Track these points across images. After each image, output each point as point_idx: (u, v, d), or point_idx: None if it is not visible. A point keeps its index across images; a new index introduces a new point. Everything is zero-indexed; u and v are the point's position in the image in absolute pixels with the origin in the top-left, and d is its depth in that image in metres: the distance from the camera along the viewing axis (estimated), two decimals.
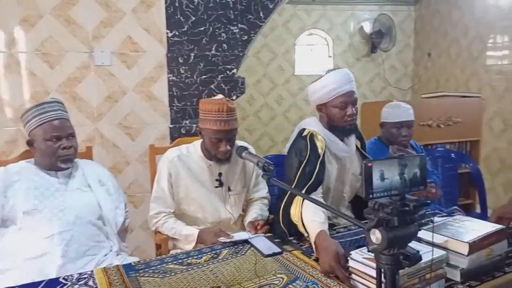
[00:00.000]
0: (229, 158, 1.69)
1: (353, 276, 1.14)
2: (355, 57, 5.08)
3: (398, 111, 2.20)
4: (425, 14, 4.99)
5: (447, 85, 4.61)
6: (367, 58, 5.13)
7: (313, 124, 1.70)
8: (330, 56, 5.07)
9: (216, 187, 1.73)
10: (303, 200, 1.49)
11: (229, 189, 1.77)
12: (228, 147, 1.64)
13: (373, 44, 5.01)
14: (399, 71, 5.25)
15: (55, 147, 1.52)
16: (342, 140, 1.68)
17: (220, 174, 1.73)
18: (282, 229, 1.57)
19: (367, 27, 4.97)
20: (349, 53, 5.07)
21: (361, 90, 5.11)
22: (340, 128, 1.64)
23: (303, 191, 1.51)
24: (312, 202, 1.11)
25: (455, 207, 2.00)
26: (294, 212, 1.51)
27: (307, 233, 1.43)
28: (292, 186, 1.55)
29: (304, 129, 1.68)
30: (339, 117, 1.63)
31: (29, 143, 1.57)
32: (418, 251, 0.80)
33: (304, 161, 1.59)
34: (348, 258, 1.16)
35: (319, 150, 1.60)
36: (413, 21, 5.18)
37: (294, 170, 1.61)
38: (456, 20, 4.44)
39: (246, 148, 1.52)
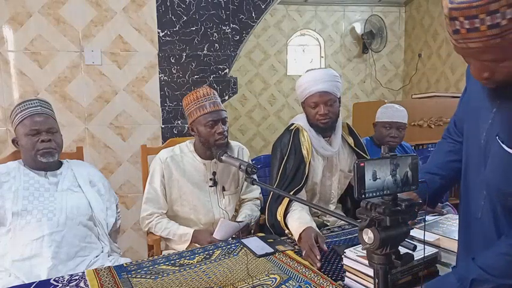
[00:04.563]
0: (227, 145, 1.68)
1: (347, 274, 1.15)
2: (347, 57, 5.11)
3: (391, 112, 2.22)
4: (416, 15, 5.03)
5: (438, 85, 4.66)
6: (359, 59, 5.16)
7: (301, 120, 1.74)
8: (322, 57, 5.09)
9: (211, 186, 1.73)
10: (289, 201, 1.54)
11: (223, 189, 1.76)
12: (224, 127, 1.64)
13: (364, 44, 5.04)
14: (390, 72, 5.29)
15: (34, 140, 1.50)
16: (328, 138, 1.71)
17: (214, 174, 1.73)
18: (267, 227, 1.62)
19: (359, 28, 5.00)
20: (341, 54, 5.09)
21: (353, 91, 5.15)
22: (314, 126, 1.68)
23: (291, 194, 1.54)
24: (298, 202, 1.13)
25: (447, 202, 2.03)
26: (280, 210, 1.56)
27: (288, 229, 1.50)
28: (275, 184, 1.62)
29: (292, 124, 1.74)
30: (312, 115, 1.67)
31: (14, 141, 1.56)
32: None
33: (285, 158, 1.64)
34: (342, 256, 1.17)
35: (304, 151, 1.65)
36: (403, 22, 5.22)
37: (276, 163, 1.68)
38: None
39: (225, 151, 1.54)
